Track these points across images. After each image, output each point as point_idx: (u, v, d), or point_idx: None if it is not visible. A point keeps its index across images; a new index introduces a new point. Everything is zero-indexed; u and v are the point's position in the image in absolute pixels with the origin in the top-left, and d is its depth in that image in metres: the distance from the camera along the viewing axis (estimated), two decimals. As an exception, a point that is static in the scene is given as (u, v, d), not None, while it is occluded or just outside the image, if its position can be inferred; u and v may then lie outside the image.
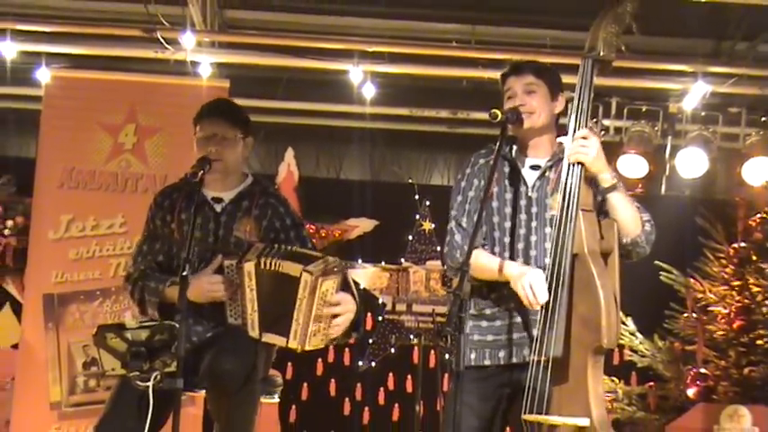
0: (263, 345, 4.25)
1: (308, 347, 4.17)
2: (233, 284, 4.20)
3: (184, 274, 3.97)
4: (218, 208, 4.44)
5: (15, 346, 7.08)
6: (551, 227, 3.92)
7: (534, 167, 4.09)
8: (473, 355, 3.99)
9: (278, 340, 4.20)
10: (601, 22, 3.99)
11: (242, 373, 4.11)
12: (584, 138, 3.84)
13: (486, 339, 4.03)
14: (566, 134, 4.01)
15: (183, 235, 4.27)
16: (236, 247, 4.34)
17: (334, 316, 4.17)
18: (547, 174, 4.06)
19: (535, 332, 3.84)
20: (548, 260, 3.85)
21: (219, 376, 4.11)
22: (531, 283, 3.79)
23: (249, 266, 4.15)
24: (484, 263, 3.88)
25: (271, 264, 4.15)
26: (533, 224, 4.02)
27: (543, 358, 3.75)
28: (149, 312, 4.31)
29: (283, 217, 4.49)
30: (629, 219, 3.93)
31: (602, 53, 3.98)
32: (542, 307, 3.77)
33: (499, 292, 3.98)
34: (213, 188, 4.42)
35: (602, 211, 3.96)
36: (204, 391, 4.39)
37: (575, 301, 3.77)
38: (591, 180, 3.92)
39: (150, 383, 3.96)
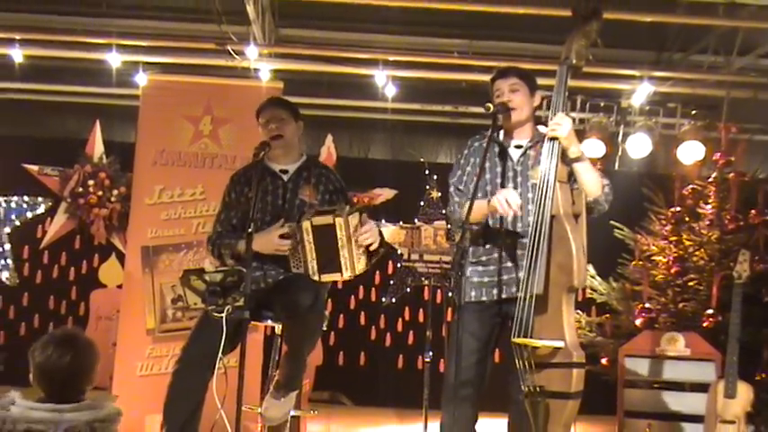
0: (321, 285, 4.26)
1: (357, 272, 4.21)
2: (294, 241, 4.21)
3: (250, 230, 3.97)
4: (285, 177, 4.50)
5: (120, 287, 7.12)
6: (532, 192, 3.91)
7: (518, 147, 4.11)
8: (473, 293, 3.99)
9: (335, 276, 4.25)
10: (573, 37, 3.98)
11: (312, 306, 4.14)
12: (559, 119, 3.85)
13: (483, 280, 4.03)
14: (542, 123, 4.03)
15: (258, 200, 4.27)
16: (299, 207, 4.38)
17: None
18: (528, 152, 4.07)
19: (521, 274, 3.83)
20: (530, 218, 3.84)
21: (297, 309, 4.13)
22: (505, 197, 3.80)
23: (306, 225, 4.18)
24: (476, 208, 3.82)
25: (317, 220, 4.17)
26: (518, 191, 4.01)
27: (528, 295, 3.74)
28: (226, 263, 4.33)
29: (334, 183, 4.57)
30: (592, 182, 3.93)
31: (574, 61, 3.98)
32: (530, 250, 3.74)
33: (492, 244, 3.98)
34: (279, 162, 4.48)
35: (574, 181, 3.95)
36: (269, 321, 4.40)
37: (552, 251, 3.77)
38: (565, 156, 3.90)
39: (224, 315, 3.97)
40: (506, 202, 3.77)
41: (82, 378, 2.88)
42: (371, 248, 4.24)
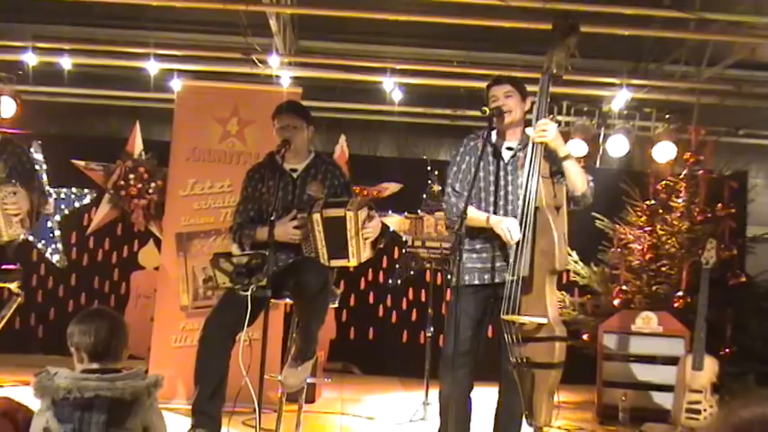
0: (330, 268, 4.30)
1: (362, 260, 4.25)
2: (306, 230, 4.24)
3: (272, 219, 4.01)
4: (294, 175, 4.50)
5: (157, 269, 7.15)
6: (521, 189, 3.91)
7: (509, 148, 4.10)
8: (467, 277, 4.01)
9: (342, 262, 4.29)
10: (554, 49, 3.98)
11: (320, 286, 4.16)
12: (544, 125, 3.85)
13: (476, 266, 4.04)
14: (530, 126, 4.04)
15: (270, 194, 4.30)
16: (307, 201, 4.39)
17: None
18: (518, 153, 4.07)
19: (511, 261, 3.85)
20: (519, 211, 3.85)
21: (306, 289, 4.16)
22: (508, 228, 3.82)
23: (316, 216, 4.21)
24: (475, 216, 3.88)
25: (327, 212, 4.20)
26: (509, 188, 4.04)
27: (515, 277, 3.76)
28: (246, 249, 4.36)
29: (339, 178, 4.58)
30: (580, 178, 3.95)
31: (554, 71, 3.98)
32: (516, 243, 3.77)
33: (486, 234, 4.00)
34: (290, 162, 4.48)
35: (555, 176, 3.96)
36: (287, 299, 4.44)
37: (537, 238, 3.78)
38: (549, 155, 3.91)
39: (249, 293, 3.99)
40: (509, 231, 3.80)
41: (121, 340, 2.88)
42: (372, 238, 4.29)
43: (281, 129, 4.47)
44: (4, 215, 4.61)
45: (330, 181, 4.51)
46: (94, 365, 2.80)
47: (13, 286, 4.79)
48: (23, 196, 4.68)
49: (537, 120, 3.90)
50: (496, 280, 3.98)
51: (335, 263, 4.26)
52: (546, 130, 3.84)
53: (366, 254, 4.25)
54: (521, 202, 3.85)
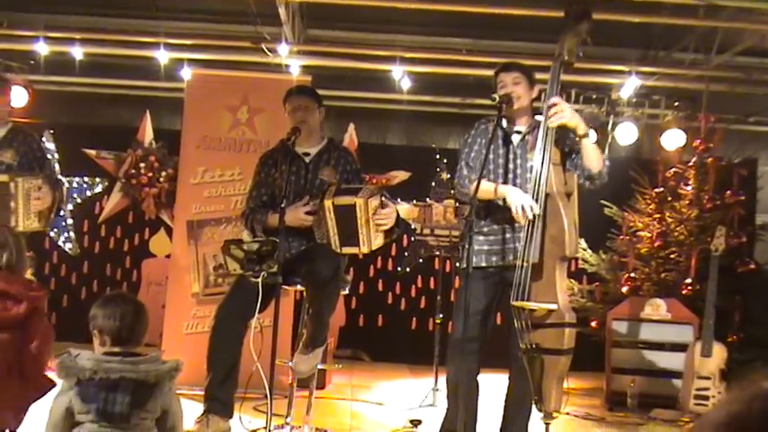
0: (342, 256, 4.29)
1: (374, 248, 4.23)
2: (318, 217, 4.23)
3: (282, 206, 4.00)
4: (307, 159, 4.49)
5: (168, 256, 7.17)
6: (530, 173, 3.91)
7: (518, 132, 4.10)
8: (475, 259, 4.00)
9: (353, 250, 4.26)
10: (566, 36, 3.95)
11: (331, 273, 4.16)
12: (554, 105, 3.84)
13: (484, 248, 4.04)
14: (539, 113, 4.03)
15: (283, 179, 4.30)
16: (319, 186, 4.38)
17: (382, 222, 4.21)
18: (526, 137, 4.08)
19: (517, 245, 3.85)
20: (528, 195, 3.84)
21: (316, 275, 4.16)
22: (522, 204, 3.79)
23: (328, 203, 4.18)
24: (484, 187, 3.83)
25: (338, 200, 4.18)
26: (518, 171, 4.05)
27: (526, 263, 3.74)
28: (257, 234, 4.36)
29: (351, 165, 4.58)
30: (596, 157, 3.94)
31: (566, 57, 3.96)
32: (528, 223, 3.74)
33: (493, 216, 4.00)
34: (302, 146, 4.48)
35: (567, 159, 3.94)
36: (298, 285, 4.43)
37: (547, 225, 3.77)
38: (561, 140, 3.91)
39: (260, 279, 3.99)
40: (528, 206, 3.76)
41: (143, 325, 2.89)
42: (385, 227, 4.26)
43: (292, 110, 4.48)
44: (24, 207, 4.67)
45: (342, 167, 4.50)
46: (116, 349, 2.82)
47: (27, 274, 4.81)
48: (47, 192, 4.78)
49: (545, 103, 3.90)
50: (504, 263, 3.98)
51: (347, 250, 4.25)
52: (562, 110, 3.82)
53: (378, 242, 4.23)
54: (530, 186, 3.84)
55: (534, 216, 3.74)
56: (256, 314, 4.07)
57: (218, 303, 4.43)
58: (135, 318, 2.86)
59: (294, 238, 4.32)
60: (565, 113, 3.82)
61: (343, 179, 4.45)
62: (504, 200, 3.91)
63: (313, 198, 4.31)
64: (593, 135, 3.95)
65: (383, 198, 4.26)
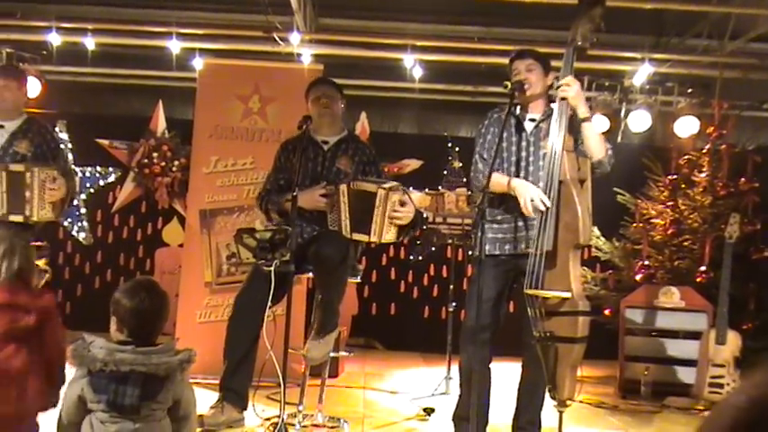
0: (353, 242, 4.29)
1: (383, 241, 4.23)
2: (332, 200, 4.24)
3: (294, 194, 4.00)
4: (325, 147, 4.54)
5: (181, 245, 7.17)
6: (543, 161, 3.88)
7: (532, 120, 4.07)
8: (488, 247, 3.96)
9: (363, 237, 4.26)
10: (579, 21, 3.92)
11: (338, 258, 4.16)
12: (568, 81, 3.82)
13: (497, 236, 4.03)
14: (553, 101, 4.00)
15: (300, 166, 4.32)
16: (336, 174, 4.41)
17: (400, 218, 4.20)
18: (540, 125, 4.05)
19: (530, 233, 3.83)
20: (541, 184, 3.83)
21: (323, 260, 4.17)
22: (531, 198, 3.77)
23: (343, 187, 4.21)
24: (497, 180, 3.84)
25: (356, 185, 4.19)
26: (531, 158, 4.02)
27: (539, 251, 3.72)
28: (272, 216, 4.39)
29: (368, 156, 4.62)
30: (597, 144, 3.91)
31: (580, 43, 3.92)
32: (540, 213, 3.73)
33: (506, 205, 3.99)
34: (322, 134, 4.55)
35: (576, 144, 3.92)
36: (310, 273, 4.44)
37: (561, 212, 3.74)
38: (572, 127, 3.88)
39: (272, 268, 4.00)
40: (538, 199, 3.73)
41: (164, 320, 2.88)
42: (401, 223, 4.24)
43: (316, 99, 4.56)
44: (39, 196, 4.71)
45: (360, 158, 4.54)
46: (138, 336, 2.80)
47: (41, 263, 4.84)
48: (63, 183, 4.83)
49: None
50: (517, 251, 3.97)
51: (357, 236, 4.25)
52: (570, 85, 3.80)
53: (390, 236, 4.23)
54: (542, 173, 3.82)
55: (545, 208, 3.72)
56: (269, 303, 4.07)
57: (237, 292, 4.44)
58: (156, 318, 2.84)
59: (308, 223, 4.33)
60: (571, 90, 3.80)
61: (359, 170, 4.48)
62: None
63: (329, 182, 4.36)
64: (600, 123, 3.91)
65: (405, 194, 4.26)
